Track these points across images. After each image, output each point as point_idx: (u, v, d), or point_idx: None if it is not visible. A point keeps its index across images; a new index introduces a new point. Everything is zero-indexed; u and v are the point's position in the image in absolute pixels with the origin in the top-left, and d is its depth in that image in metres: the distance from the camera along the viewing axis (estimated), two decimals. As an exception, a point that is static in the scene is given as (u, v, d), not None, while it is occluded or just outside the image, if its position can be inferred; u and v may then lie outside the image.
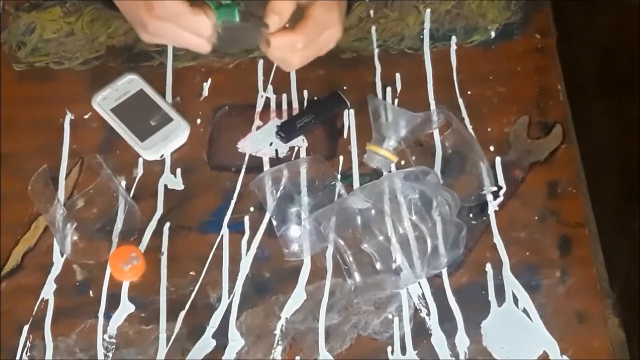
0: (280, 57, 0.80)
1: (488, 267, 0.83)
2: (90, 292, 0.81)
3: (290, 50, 0.79)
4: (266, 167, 0.88)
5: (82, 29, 0.95)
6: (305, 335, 0.80)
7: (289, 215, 0.84)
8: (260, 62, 0.93)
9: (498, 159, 0.88)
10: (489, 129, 0.90)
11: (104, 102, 0.89)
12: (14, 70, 0.92)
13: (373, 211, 0.82)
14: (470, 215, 0.85)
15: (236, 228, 0.84)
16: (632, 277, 1.22)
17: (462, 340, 0.79)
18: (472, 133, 0.89)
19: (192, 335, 0.79)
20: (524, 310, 0.81)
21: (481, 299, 0.81)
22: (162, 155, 0.88)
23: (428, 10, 0.97)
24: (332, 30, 0.80)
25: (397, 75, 0.93)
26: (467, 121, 0.90)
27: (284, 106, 0.91)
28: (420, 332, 0.80)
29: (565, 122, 0.91)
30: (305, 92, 0.91)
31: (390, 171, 0.87)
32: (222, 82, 0.92)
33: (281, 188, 0.85)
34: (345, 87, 0.91)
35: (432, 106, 0.91)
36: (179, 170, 0.87)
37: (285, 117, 0.90)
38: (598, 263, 1.23)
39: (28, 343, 0.79)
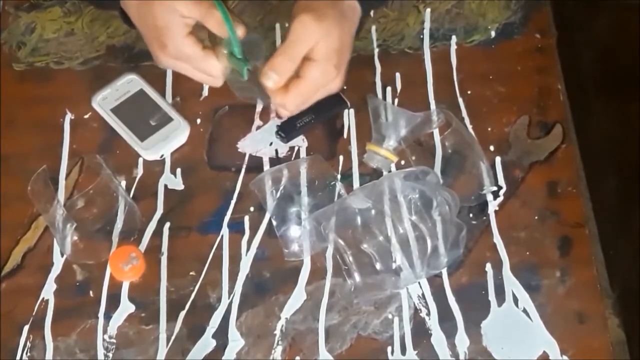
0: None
1: (488, 267, 0.83)
2: (90, 292, 0.81)
3: (282, 107, 0.81)
4: (266, 167, 0.88)
5: (82, 29, 0.95)
6: (305, 336, 0.80)
7: (289, 215, 0.84)
8: (260, 62, 0.93)
9: (498, 159, 0.88)
10: (489, 129, 0.90)
11: (104, 102, 0.89)
12: (14, 70, 0.92)
13: (373, 211, 0.82)
14: (470, 215, 0.85)
15: (236, 228, 0.84)
16: (632, 277, 1.22)
17: (462, 340, 0.79)
18: (472, 133, 0.89)
19: (192, 335, 0.79)
20: (524, 310, 0.81)
21: (481, 299, 0.81)
22: (162, 155, 0.88)
23: (428, 10, 0.97)
24: (329, 86, 0.81)
25: (397, 75, 0.93)
26: (467, 121, 0.90)
27: (284, 106, 0.91)
28: (420, 332, 0.80)
29: (565, 122, 0.91)
30: (305, 92, 0.91)
31: (390, 171, 0.87)
32: (221, 82, 0.92)
33: (281, 188, 0.85)
34: (345, 87, 0.91)
35: (432, 106, 0.91)
36: (179, 170, 0.87)
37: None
38: (598, 263, 1.23)
39: (28, 343, 0.79)
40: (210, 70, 0.80)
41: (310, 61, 0.78)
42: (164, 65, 0.82)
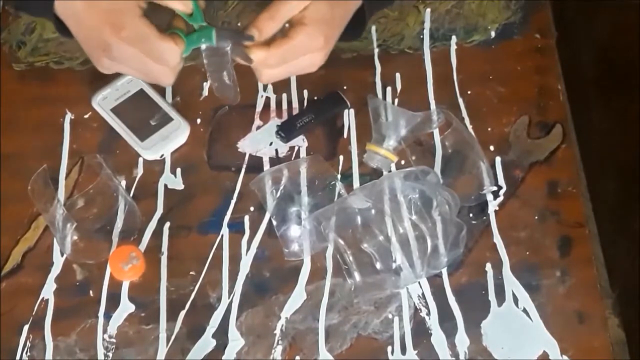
0: (253, 67, 0.81)
1: (488, 267, 0.83)
2: (90, 292, 0.81)
3: (262, 64, 0.80)
4: (266, 167, 0.88)
5: (82, 28, 0.95)
6: (305, 335, 0.80)
7: (289, 215, 0.84)
8: (261, 62, 0.93)
9: (498, 159, 0.88)
10: (489, 129, 0.90)
11: (104, 102, 0.89)
12: (14, 70, 0.92)
13: (373, 211, 0.82)
14: (470, 215, 0.85)
15: (236, 228, 0.84)
16: (632, 277, 1.22)
17: (462, 340, 0.79)
18: (472, 133, 0.89)
19: (192, 335, 0.79)
20: (524, 310, 0.81)
21: (481, 299, 0.81)
22: (162, 155, 0.88)
23: (428, 10, 0.97)
24: (313, 55, 0.80)
25: (397, 75, 0.93)
26: (467, 121, 0.90)
27: (284, 106, 0.91)
28: (420, 332, 0.80)
29: (565, 122, 0.91)
30: (305, 92, 0.91)
31: (390, 171, 0.87)
32: (222, 82, 0.92)
33: (281, 188, 0.85)
34: (345, 87, 0.91)
35: (432, 106, 0.91)
36: (179, 170, 0.87)
37: (285, 116, 0.90)
38: (598, 263, 1.23)
39: (28, 343, 0.79)
40: (167, 55, 0.77)
41: (297, 24, 0.78)
42: (113, 56, 0.77)
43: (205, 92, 0.91)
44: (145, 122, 0.88)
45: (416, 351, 0.79)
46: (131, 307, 0.81)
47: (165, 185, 0.87)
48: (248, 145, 0.89)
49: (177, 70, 0.80)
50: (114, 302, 0.81)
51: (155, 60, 0.77)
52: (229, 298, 0.81)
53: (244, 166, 0.88)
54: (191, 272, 0.82)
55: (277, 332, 0.80)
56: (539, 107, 0.91)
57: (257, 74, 0.82)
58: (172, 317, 0.80)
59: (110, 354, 0.79)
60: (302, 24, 0.78)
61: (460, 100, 0.91)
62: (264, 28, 0.78)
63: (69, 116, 0.90)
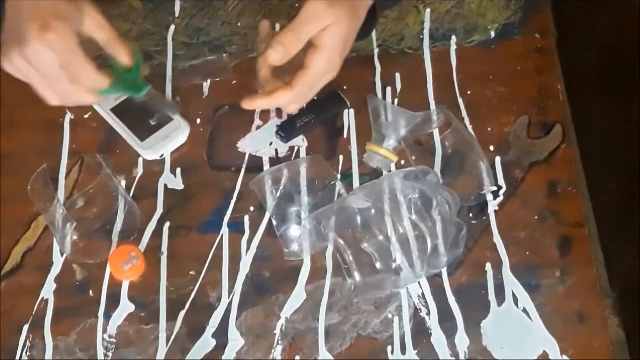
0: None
1: (488, 267, 0.83)
2: (90, 291, 0.81)
3: (289, 104, 0.80)
4: (266, 167, 0.88)
5: (82, 28, 0.95)
6: (305, 335, 0.80)
7: (289, 215, 0.84)
8: (261, 62, 0.93)
9: (498, 159, 0.88)
10: (489, 129, 0.90)
11: (104, 102, 0.89)
12: (14, 70, 0.92)
13: (373, 211, 0.82)
14: (470, 215, 0.85)
15: (236, 228, 0.84)
16: (632, 277, 1.22)
17: (462, 340, 0.79)
18: (472, 133, 0.89)
19: (192, 335, 0.79)
20: (524, 310, 0.81)
21: (481, 298, 0.81)
22: (162, 155, 0.88)
23: (428, 10, 0.97)
24: (331, 74, 0.79)
25: (397, 75, 0.93)
26: (467, 121, 0.90)
27: (284, 106, 0.91)
28: (420, 331, 0.80)
29: (565, 122, 0.91)
30: (305, 92, 0.91)
31: (390, 171, 0.87)
32: (222, 82, 0.92)
33: (281, 188, 0.85)
34: (345, 87, 0.91)
35: (432, 106, 0.91)
36: (179, 170, 0.87)
37: (285, 116, 0.90)
38: (598, 263, 1.23)
39: (28, 343, 0.79)
40: (89, 78, 0.73)
41: (315, 48, 0.76)
42: (27, 54, 0.70)
43: (206, 92, 0.91)
44: (145, 122, 0.88)
45: (416, 351, 0.79)
46: (131, 307, 0.81)
47: (165, 185, 0.87)
48: (248, 145, 0.89)
49: (96, 98, 0.75)
50: (114, 302, 0.81)
51: (72, 81, 0.72)
52: (229, 298, 0.81)
53: (244, 166, 0.88)
54: (191, 272, 0.82)
55: (277, 332, 0.80)
56: (539, 107, 0.91)
57: (284, 109, 0.84)
58: (172, 317, 0.80)
59: (110, 354, 0.79)
60: (320, 47, 0.76)
61: (460, 100, 0.91)
62: (290, 46, 0.75)
63: (69, 116, 0.90)
